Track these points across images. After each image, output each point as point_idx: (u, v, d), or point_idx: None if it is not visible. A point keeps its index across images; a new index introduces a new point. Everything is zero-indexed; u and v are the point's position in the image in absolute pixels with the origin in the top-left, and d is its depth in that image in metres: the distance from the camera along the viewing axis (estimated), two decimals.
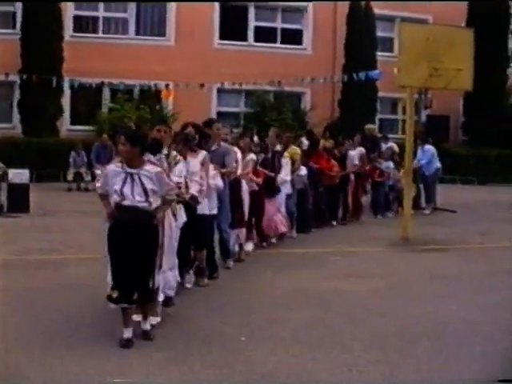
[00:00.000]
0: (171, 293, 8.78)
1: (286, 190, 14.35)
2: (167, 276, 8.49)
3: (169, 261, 8.42)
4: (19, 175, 18.24)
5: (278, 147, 14.50)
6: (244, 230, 12.44)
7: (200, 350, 7.32)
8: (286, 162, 14.20)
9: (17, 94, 28.26)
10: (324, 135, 19.34)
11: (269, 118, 29.64)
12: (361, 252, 13.85)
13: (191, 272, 10.27)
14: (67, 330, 7.75)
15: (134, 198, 7.26)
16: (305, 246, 14.24)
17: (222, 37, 32.08)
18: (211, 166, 10.19)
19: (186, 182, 8.94)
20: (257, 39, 32.90)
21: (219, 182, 10.60)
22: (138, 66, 28.42)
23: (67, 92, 28.95)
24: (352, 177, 18.01)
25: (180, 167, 8.69)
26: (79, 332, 7.42)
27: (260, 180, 12.99)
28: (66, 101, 29.05)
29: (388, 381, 6.60)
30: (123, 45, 29.95)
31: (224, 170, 10.97)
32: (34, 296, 9.40)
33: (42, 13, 26.85)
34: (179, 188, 8.15)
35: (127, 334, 7.33)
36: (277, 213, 13.88)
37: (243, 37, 32.67)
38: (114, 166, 7.48)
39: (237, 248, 12.40)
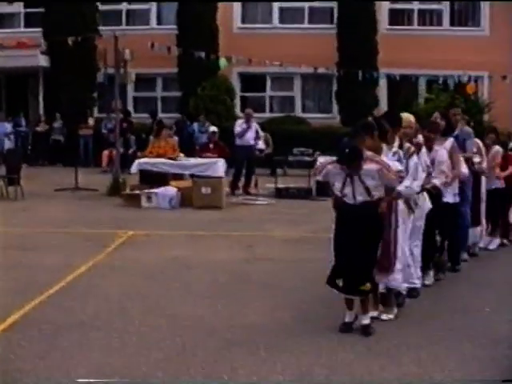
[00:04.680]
0: (417, 283, 8.57)
1: None
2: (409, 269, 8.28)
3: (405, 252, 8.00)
4: None
5: None
6: (479, 229, 11.53)
7: (441, 315, 7.93)
8: None
9: (334, 86, 29.99)
10: None
11: None
12: None
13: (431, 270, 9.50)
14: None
15: (356, 198, 7.19)
16: None
17: None
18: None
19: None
20: None
21: (464, 170, 9.93)
22: (452, 57, 28.55)
23: (383, 83, 30.02)
24: None
25: (415, 160, 7.96)
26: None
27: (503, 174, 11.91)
28: (382, 92, 30.10)
29: None
30: (437, 36, 30.17)
31: (466, 155, 10.35)
32: (305, 266, 10.44)
33: (357, 7, 28.33)
34: (401, 177, 7.54)
35: (348, 318, 7.29)
36: None
37: None
38: (331, 167, 7.31)
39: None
